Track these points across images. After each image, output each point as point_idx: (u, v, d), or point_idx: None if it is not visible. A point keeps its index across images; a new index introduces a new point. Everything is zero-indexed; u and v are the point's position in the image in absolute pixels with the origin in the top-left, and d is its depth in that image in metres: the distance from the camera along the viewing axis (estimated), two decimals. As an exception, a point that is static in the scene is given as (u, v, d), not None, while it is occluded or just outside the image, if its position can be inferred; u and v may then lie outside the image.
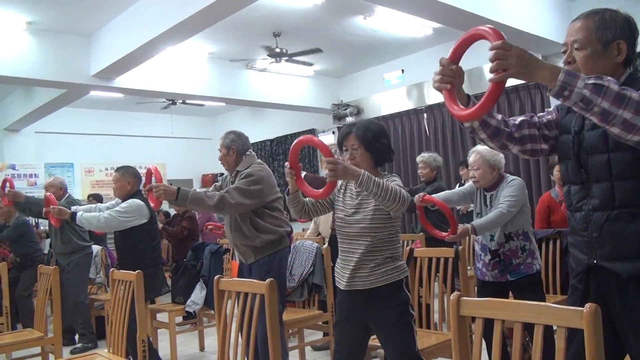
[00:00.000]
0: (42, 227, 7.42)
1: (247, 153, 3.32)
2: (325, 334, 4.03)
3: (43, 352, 3.66)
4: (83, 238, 4.99)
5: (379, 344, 2.41)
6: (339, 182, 2.40)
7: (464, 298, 1.41)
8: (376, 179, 2.12)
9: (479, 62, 7.33)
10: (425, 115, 8.12)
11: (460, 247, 2.86)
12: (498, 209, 2.81)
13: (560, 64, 1.57)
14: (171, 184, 3.20)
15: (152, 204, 3.09)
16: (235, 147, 3.28)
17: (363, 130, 2.32)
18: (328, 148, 2.17)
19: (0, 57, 5.87)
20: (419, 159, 4.85)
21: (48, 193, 4.08)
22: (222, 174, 11.80)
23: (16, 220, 5.63)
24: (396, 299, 2.25)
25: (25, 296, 5.49)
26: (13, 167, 8.76)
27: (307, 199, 2.41)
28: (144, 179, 3.40)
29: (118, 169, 3.96)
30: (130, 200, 3.76)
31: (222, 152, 3.32)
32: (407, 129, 8.38)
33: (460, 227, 2.81)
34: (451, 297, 1.41)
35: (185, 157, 11.13)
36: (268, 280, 2.02)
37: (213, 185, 3.51)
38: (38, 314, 3.69)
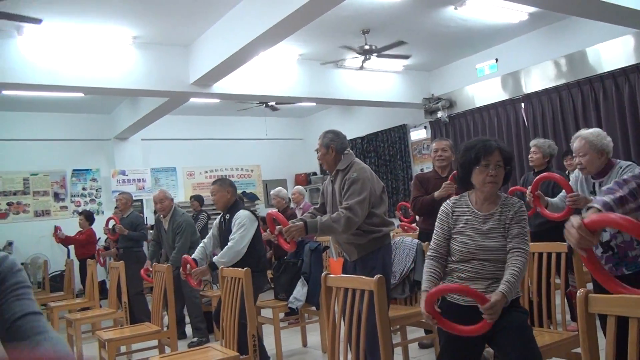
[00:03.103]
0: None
1: (345, 152, 3.33)
2: (427, 332, 3.98)
3: (160, 344, 3.91)
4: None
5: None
6: (453, 208, 2.36)
7: (593, 295, 1.33)
8: None
9: (580, 45, 6.91)
10: (522, 104, 7.77)
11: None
12: None
13: None
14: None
15: (285, 247, 3.17)
16: (333, 146, 3.31)
17: (508, 150, 2.30)
18: None
19: (111, 71, 6.34)
20: (532, 142, 4.51)
21: (186, 256, 3.99)
22: (314, 173, 11.96)
23: (133, 214, 6.09)
24: (521, 310, 2.30)
25: (138, 293, 5.88)
26: (123, 173, 9.42)
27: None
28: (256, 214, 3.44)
29: (214, 182, 4.11)
30: (236, 216, 3.91)
31: (322, 151, 3.34)
32: (504, 121, 8.05)
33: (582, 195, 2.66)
34: (578, 294, 1.34)
35: (279, 158, 11.41)
36: (377, 276, 2.02)
37: (311, 210, 3.52)
38: (154, 309, 3.95)
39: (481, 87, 8.26)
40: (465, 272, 2.27)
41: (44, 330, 1.08)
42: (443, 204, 2.43)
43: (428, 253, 2.37)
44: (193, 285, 3.93)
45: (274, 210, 3.27)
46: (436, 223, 2.40)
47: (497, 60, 8.02)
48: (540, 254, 2.81)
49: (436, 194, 3.91)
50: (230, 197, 4.05)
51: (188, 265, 3.84)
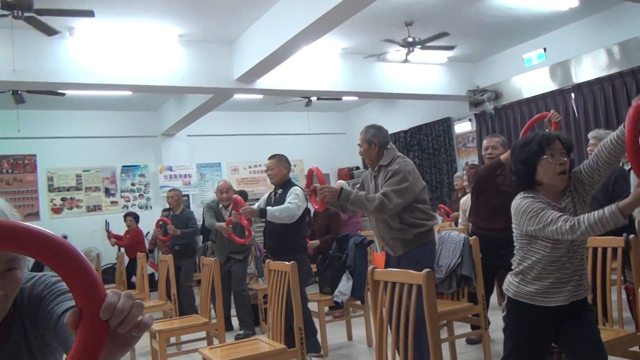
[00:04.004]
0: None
1: (388, 147, 3.31)
2: (474, 327, 3.91)
3: (208, 336, 3.99)
4: None
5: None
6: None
7: (656, 290, 1.27)
8: None
9: (634, 32, 6.62)
10: (572, 95, 7.50)
11: (631, 236, 2.60)
12: None
13: None
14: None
15: (315, 206, 3.20)
16: (376, 141, 3.29)
17: (567, 137, 2.16)
18: None
19: (158, 70, 6.49)
20: (591, 134, 4.25)
21: (235, 195, 4.36)
22: (357, 168, 11.90)
23: (186, 210, 6.25)
24: (590, 307, 2.24)
25: (188, 285, 6.02)
26: (170, 169, 9.64)
27: None
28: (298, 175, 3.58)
29: (272, 156, 4.25)
30: (293, 189, 4.07)
31: (364, 146, 3.33)
32: (552, 111, 7.80)
33: None
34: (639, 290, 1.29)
35: (322, 152, 11.40)
36: (425, 270, 2.00)
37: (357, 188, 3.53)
38: (203, 302, 4.03)
39: (529, 78, 8.03)
40: (571, 266, 2.12)
41: None
42: (522, 199, 2.12)
43: (563, 220, 1.95)
44: (244, 224, 4.16)
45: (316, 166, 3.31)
46: (535, 206, 2.05)
47: (545, 49, 7.77)
48: (595, 249, 2.71)
49: (503, 156, 3.71)
50: (287, 172, 4.23)
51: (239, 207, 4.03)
